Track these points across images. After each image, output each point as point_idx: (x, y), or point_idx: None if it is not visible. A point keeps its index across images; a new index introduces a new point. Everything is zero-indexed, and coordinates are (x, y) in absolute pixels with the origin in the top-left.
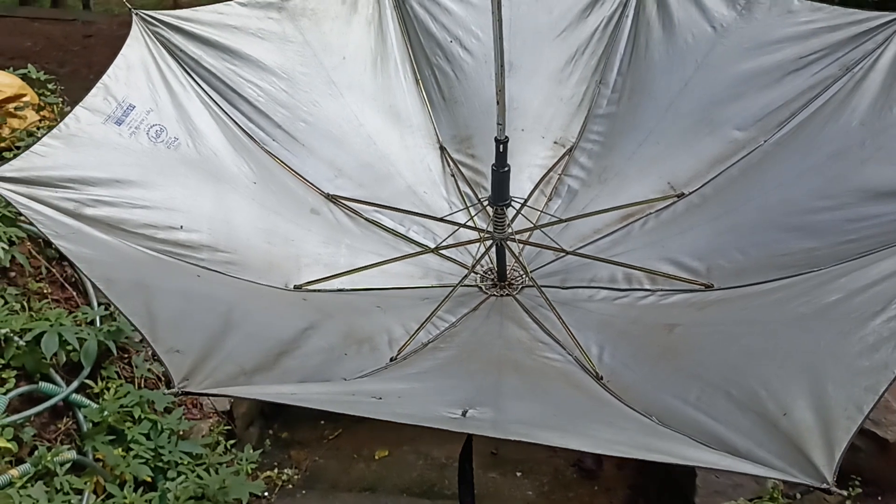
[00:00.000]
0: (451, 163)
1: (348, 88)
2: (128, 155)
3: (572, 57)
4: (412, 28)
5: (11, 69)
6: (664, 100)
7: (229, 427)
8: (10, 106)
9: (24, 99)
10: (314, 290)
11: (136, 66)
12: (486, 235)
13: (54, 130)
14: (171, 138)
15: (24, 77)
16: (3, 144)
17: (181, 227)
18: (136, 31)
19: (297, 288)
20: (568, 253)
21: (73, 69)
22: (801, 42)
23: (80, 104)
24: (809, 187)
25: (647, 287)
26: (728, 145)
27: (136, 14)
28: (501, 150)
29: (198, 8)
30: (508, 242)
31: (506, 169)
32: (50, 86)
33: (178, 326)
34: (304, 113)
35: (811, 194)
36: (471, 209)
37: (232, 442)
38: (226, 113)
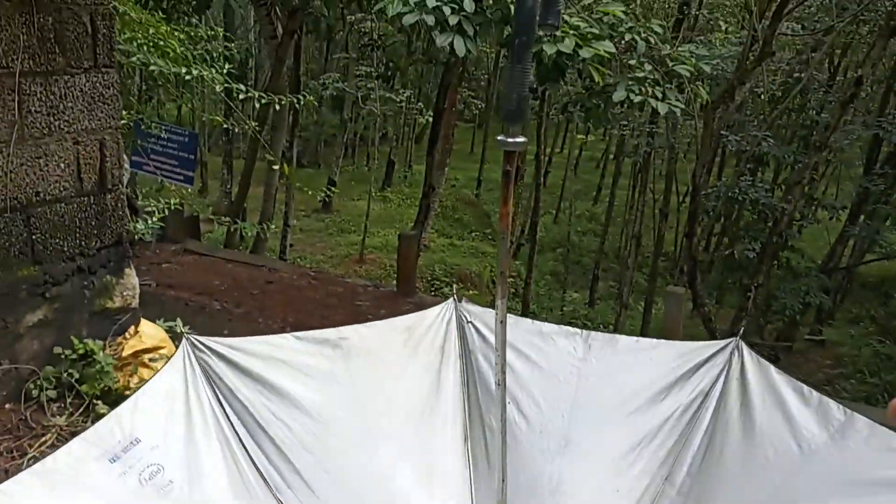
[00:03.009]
0: None
1: (386, 439)
2: (104, 499)
3: (638, 444)
4: (472, 381)
5: (162, 320)
6: None
7: None
8: (146, 356)
9: (162, 351)
10: None
11: (163, 393)
12: None
13: (36, 466)
14: (166, 481)
15: (169, 330)
16: (127, 394)
17: None
18: (180, 355)
19: None
20: None
21: (247, 311)
22: None
23: (84, 434)
24: None
25: None
26: None
27: (188, 338)
28: None
29: (252, 338)
30: None
31: None
32: None
33: None
34: (328, 462)
35: None
36: None
37: None
38: (245, 451)
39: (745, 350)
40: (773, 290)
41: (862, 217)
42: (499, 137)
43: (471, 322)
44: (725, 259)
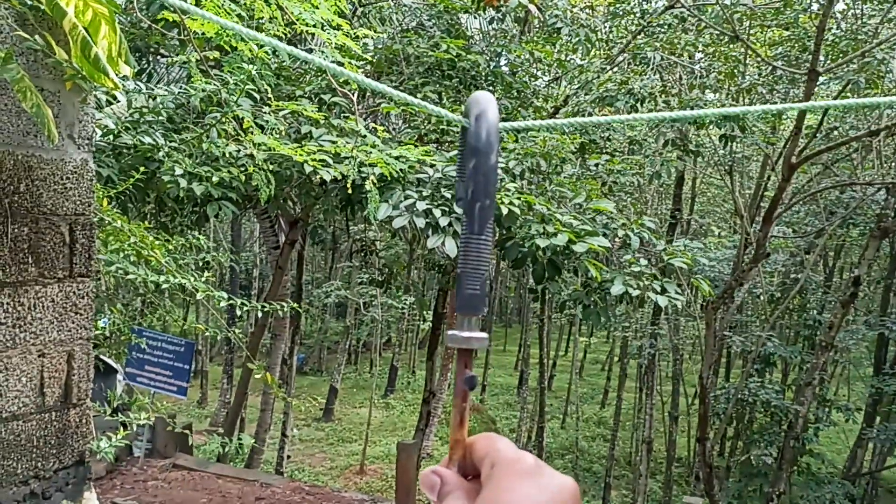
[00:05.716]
0: None
1: None
2: None
3: None
4: None
5: None
6: None
7: None
8: None
9: None
10: None
11: None
12: None
13: None
14: None
15: None
16: None
17: None
18: None
19: None
20: None
21: None
22: None
23: None
24: None
25: None
26: None
27: None
28: None
29: None
30: None
31: None
32: None
33: None
34: None
35: None
36: None
37: None
38: None
39: None
40: (795, 499)
41: (878, 419)
42: (450, 332)
43: None
44: (742, 465)
